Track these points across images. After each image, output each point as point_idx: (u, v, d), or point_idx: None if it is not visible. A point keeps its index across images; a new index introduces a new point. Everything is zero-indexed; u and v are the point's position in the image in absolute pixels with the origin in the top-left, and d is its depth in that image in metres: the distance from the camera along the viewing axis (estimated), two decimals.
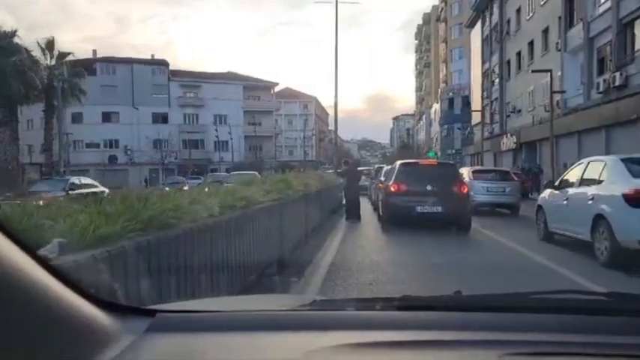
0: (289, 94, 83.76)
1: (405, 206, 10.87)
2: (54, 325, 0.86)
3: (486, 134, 40.89)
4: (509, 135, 34.37)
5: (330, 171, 25.34)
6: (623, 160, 7.80)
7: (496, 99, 39.06)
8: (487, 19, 41.51)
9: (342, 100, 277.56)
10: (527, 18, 31.93)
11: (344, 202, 14.89)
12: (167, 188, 7.16)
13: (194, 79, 61.55)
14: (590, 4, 22.83)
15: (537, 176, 24.74)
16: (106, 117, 57.40)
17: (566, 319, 1.17)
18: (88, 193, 14.68)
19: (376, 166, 27.45)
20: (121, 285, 2.23)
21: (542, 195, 10.37)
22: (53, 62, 33.85)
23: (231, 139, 56.45)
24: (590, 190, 7.90)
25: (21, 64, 28.48)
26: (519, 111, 33.20)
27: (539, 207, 10.11)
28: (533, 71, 26.45)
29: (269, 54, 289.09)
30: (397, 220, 11.10)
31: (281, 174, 10.84)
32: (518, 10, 33.61)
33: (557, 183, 9.74)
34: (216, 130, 55.98)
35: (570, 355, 1.01)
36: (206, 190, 4.65)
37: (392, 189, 11.28)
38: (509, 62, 36.07)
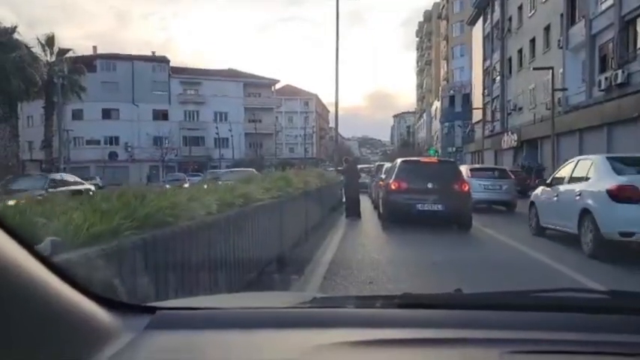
0: (290, 92, 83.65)
1: (405, 204, 10.81)
2: (53, 322, 0.86)
3: (487, 132, 40.83)
4: (510, 133, 34.30)
5: (331, 169, 25.30)
6: (608, 158, 8.40)
7: (497, 97, 38.98)
8: (488, 17, 41.40)
9: (342, 98, 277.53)
10: (529, 15, 31.83)
11: (344, 199, 14.85)
12: (168, 185, 7.09)
13: (194, 76, 61.45)
14: (592, 2, 22.75)
15: (541, 173, 24.65)
16: (107, 114, 57.33)
17: (566, 318, 1.16)
18: (72, 191, 14.27)
19: (377, 163, 27.36)
20: (120, 282, 2.20)
21: (535, 192, 10.72)
22: (53, 59, 33.78)
23: (232, 136, 56.40)
24: (578, 187, 8.39)
25: (21, 60, 28.37)
26: (520, 109, 33.13)
27: (532, 203, 10.59)
28: (534, 69, 26.38)
29: (269, 51, 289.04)
30: (397, 218, 11.05)
31: (281, 171, 10.80)
32: (520, 8, 33.51)
33: (549, 180, 10.18)
34: (217, 128, 55.97)
35: (570, 354, 1.00)
36: (205, 187, 4.59)
37: (392, 187, 11.23)
38: (510, 60, 35.99)
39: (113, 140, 57.49)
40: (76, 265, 1.87)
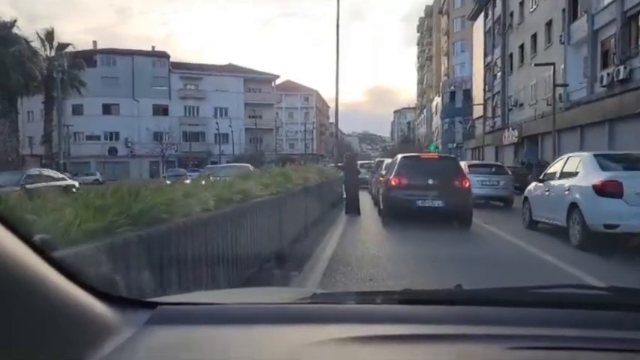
0: (290, 87, 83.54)
1: (405, 200, 10.74)
2: (53, 317, 0.85)
3: (488, 128, 40.74)
4: (510, 129, 34.21)
5: (331, 165, 25.21)
6: (595, 155, 8.83)
7: (498, 92, 38.87)
8: (490, 12, 41.24)
9: (343, 93, 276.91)
10: (531, 10, 31.68)
11: (344, 195, 14.79)
12: (168, 181, 7.00)
13: (195, 72, 61.35)
14: None
15: (540, 170, 24.55)
16: (107, 109, 57.27)
17: (566, 314, 1.17)
18: (52, 187, 13.76)
19: (377, 159, 27.29)
20: (120, 278, 2.16)
21: (529, 187, 11.17)
22: (53, 53, 33.69)
23: (232, 131, 56.32)
24: (567, 182, 8.89)
25: (20, 54, 28.33)
26: (521, 105, 33.03)
27: (525, 198, 11.10)
28: (536, 64, 26.25)
29: (270, 46, 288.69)
30: (398, 214, 10.97)
31: (280, 167, 10.73)
32: (522, 3, 33.37)
33: (541, 176, 10.58)
34: (217, 123, 55.89)
35: (570, 350, 1.00)
36: (203, 182, 4.53)
37: (393, 183, 11.15)
38: (511, 55, 35.86)
39: (113, 136, 57.44)
40: (79, 259, 1.86)
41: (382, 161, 19.33)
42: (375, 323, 1.11)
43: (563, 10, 26.04)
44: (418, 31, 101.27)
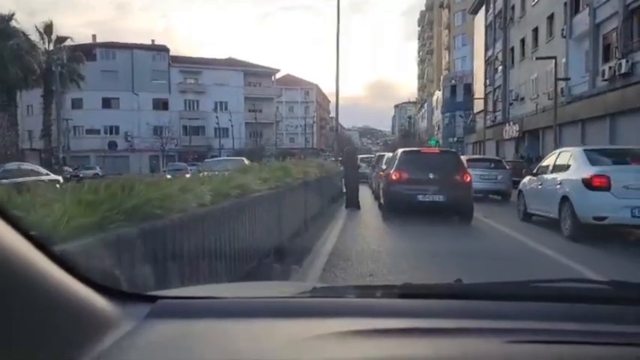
0: (290, 81, 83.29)
1: (406, 195, 10.66)
2: (53, 310, 0.86)
3: (489, 122, 40.61)
4: (511, 123, 34.11)
5: (332, 159, 25.11)
6: (585, 150, 9.31)
7: (499, 87, 38.72)
8: (491, 6, 41.01)
9: (343, 88, 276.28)
10: (532, 4, 31.48)
11: (344, 190, 14.73)
12: (169, 176, 6.88)
13: (194, 65, 61.07)
14: None
15: None
16: (106, 103, 57.08)
17: (566, 308, 1.16)
18: (32, 182, 13.78)
19: (377, 154, 27.18)
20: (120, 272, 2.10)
21: (523, 181, 11.57)
22: (51, 47, 33.53)
23: (232, 126, 56.17)
24: (559, 176, 9.28)
25: (19, 48, 28.20)
26: (522, 99, 32.90)
27: (520, 191, 11.52)
28: (537, 58, 26.11)
29: (270, 40, 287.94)
30: (398, 208, 10.90)
31: (280, 161, 10.65)
32: None
33: (535, 170, 11.00)
34: (217, 117, 55.70)
35: (570, 344, 1.00)
36: (200, 176, 4.44)
37: (393, 177, 11.08)
38: (512, 49, 35.68)
39: (113, 130, 57.27)
40: (79, 253, 1.84)
41: (383, 156, 19.23)
42: (376, 317, 1.11)
43: (565, 4, 25.88)
44: (419, 25, 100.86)
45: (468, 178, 11.06)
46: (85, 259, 1.85)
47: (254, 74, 64.29)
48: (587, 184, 8.17)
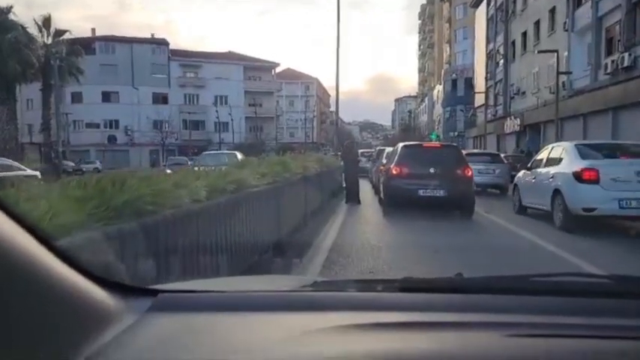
0: (290, 75, 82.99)
1: (406, 189, 10.57)
2: (55, 303, 0.86)
3: (490, 116, 40.45)
4: (512, 117, 33.95)
5: (332, 153, 25.01)
6: (577, 145, 9.68)
7: (500, 80, 38.51)
8: None
9: (343, 82, 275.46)
10: None
11: (344, 184, 14.64)
12: (169, 170, 6.75)
13: (194, 59, 60.85)
14: None
15: None
16: (106, 97, 56.88)
17: (566, 302, 1.17)
18: (14, 177, 13.12)
19: (378, 148, 27.06)
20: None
21: (518, 175, 11.92)
22: (50, 40, 33.32)
23: (232, 120, 55.96)
24: (552, 170, 9.64)
25: (17, 41, 28.02)
26: (523, 93, 32.73)
27: (515, 185, 11.91)
28: (539, 52, 25.95)
29: (270, 34, 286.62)
30: (399, 203, 10.80)
31: (280, 156, 10.56)
32: None
33: (529, 165, 11.31)
34: (217, 111, 55.47)
35: (571, 338, 1.00)
36: (195, 171, 4.34)
37: (394, 172, 10.98)
38: (514, 43, 35.44)
39: (113, 124, 57.11)
40: (81, 247, 1.83)
41: (383, 150, 19.15)
42: (376, 311, 1.11)
43: None
44: (420, 19, 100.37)
45: (470, 173, 10.96)
46: (86, 252, 1.84)
47: (254, 68, 64.02)
48: (578, 177, 8.55)
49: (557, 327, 1.04)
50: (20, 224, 0.84)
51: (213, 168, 4.81)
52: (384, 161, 13.99)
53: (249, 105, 61.49)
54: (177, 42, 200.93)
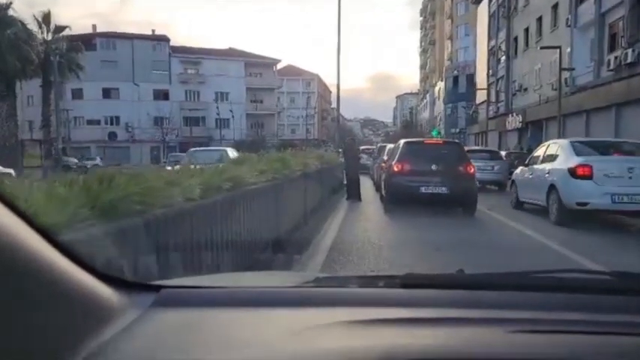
0: (291, 72, 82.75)
1: (408, 186, 10.45)
2: (59, 299, 0.86)
3: (491, 113, 40.26)
4: (514, 114, 33.76)
5: (333, 150, 24.89)
6: (572, 142, 10.05)
7: (502, 77, 38.30)
8: None
9: (345, 79, 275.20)
10: None
11: (345, 181, 14.54)
12: (169, 167, 6.61)
13: (195, 56, 60.66)
14: None
15: None
16: (107, 93, 56.80)
17: (568, 298, 1.17)
18: None
19: (379, 144, 26.96)
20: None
21: (516, 171, 12.30)
22: (50, 36, 33.18)
23: (233, 116, 55.85)
24: (547, 166, 10.00)
25: (16, 37, 27.88)
26: (525, 89, 32.54)
27: (513, 181, 12.29)
28: (541, 48, 25.72)
29: (271, 30, 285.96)
30: (400, 200, 10.68)
31: (280, 152, 10.43)
32: None
33: (527, 161, 11.61)
34: (218, 108, 55.31)
35: (573, 334, 1.00)
36: (191, 168, 4.21)
37: (395, 169, 10.85)
38: (516, 39, 35.21)
39: (113, 120, 57.04)
40: (83, 243, 1.82)
41: (384, 147, 19.06)
42: (378, 307, 1.12)
43: None
44: (421, 15, 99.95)
45: (472, 170, 10.83)
46: (89, 248, 1.81)
47: (255, 64, 63.81)
48: (572, 172, 8.90)
49: (558, 323, 1.05)
50: (24, 220, 0.84)
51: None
52: (386, 158, 13.87)
53: (251, 101, 61.38)
54: (178, 38, 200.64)
